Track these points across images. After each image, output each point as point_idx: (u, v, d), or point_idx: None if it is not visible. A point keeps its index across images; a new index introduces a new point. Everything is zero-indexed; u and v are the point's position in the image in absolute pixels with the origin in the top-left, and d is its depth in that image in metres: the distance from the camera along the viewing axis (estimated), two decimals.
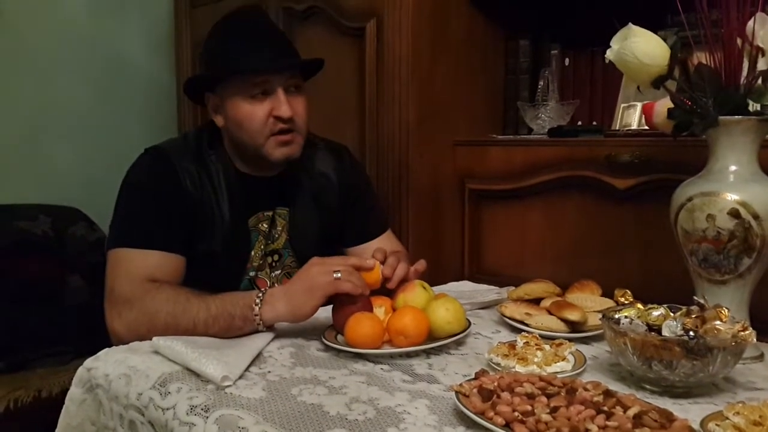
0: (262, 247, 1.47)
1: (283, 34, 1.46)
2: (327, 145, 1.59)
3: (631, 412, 0.80)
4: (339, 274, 1.19)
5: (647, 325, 1.03)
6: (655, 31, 1.16)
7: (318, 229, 1.52)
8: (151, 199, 1.36)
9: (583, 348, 1.16)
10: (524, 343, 1.10)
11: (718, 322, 0.98)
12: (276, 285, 1.48)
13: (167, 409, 0.95)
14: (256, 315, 1.20)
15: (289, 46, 1.43)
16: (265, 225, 1.47)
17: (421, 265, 1.33)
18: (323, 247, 1.51)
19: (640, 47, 1.13)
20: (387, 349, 1.13)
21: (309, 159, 1.52)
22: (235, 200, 1.41)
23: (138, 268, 1.29)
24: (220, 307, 1.21)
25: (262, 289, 1.23)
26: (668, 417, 0.80)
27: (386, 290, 1.29)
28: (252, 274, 1.47)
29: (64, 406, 1.13)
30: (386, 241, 1.59)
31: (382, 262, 1.28)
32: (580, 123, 1.94)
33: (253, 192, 1.45)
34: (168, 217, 1.35)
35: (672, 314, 1.04)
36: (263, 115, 1.36)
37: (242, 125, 1.37)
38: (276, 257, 1.50)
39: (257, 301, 1.20)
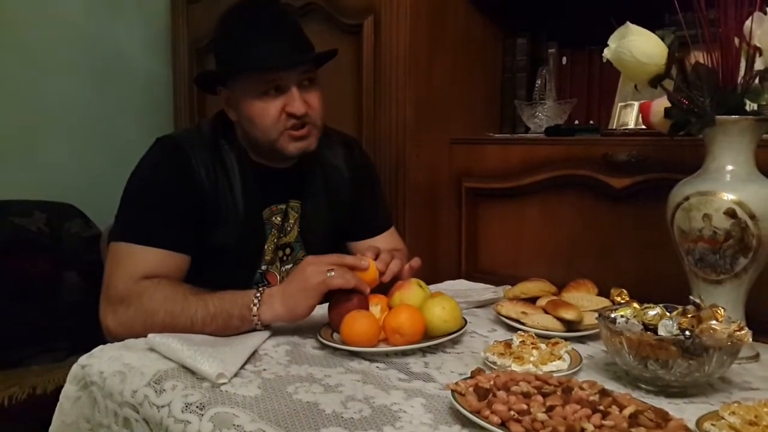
0: (274, 240, 1.46)
1: (296, 24, 1.41)
2: (339, 137, 1.58)
3: (626, 412, 0.80)
4: (332, 273, 1.19)
5: (643, 324, 1.03)
6: (652, 30, 1.16)
7: (329, 222, 1.51)
8: (160, 193, 1.33)
9: (579, 347, 1.16)
10: (520, 342, 1.10)
11: (714, 322, 0.98)
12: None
13: (162, 406, 0.95)
14: (254, 315, 1.20)
15: (301, 38, 1.39)
16: (278, 218, 1.46)
17: (416, 262, 1.33)
18: (334, 241, 1.51)
19: (637, 46, 1.13)
20: (383, 348, 1.13)
21: (322, 151, 1.51)
22: (250, 192, 1.39)
23: (137, 266, 1.27)
24: (219, 306, 1.20)
25: (260, 289, 1.23)
26: (664, 417, 0.81)
27: (382, 288, 1.29)
28: (264, 268, 1.45)
29: (59, 404, 1.13)
30: (390, 238, 1.59)
31: (375, 259, 1.28)
32: (577, 122, 1.94)
33: (268, 184, 1.43)
34: (176, 214, 1.32)
35: (668, 314, 1.04)
36: (276, 112, 1.33)
37: (255, 122, 1.35)
38: (288, 251, 1.49)
39: (255, 301, 1.20)
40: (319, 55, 1.40)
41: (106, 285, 1.29)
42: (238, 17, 1.38)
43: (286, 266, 1.49)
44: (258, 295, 1.21)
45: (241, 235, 1.39)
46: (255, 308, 1.19)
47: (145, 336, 1.14)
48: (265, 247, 1.45)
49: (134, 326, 1.21)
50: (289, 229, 1.48)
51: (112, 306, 1.26)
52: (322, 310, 1.24)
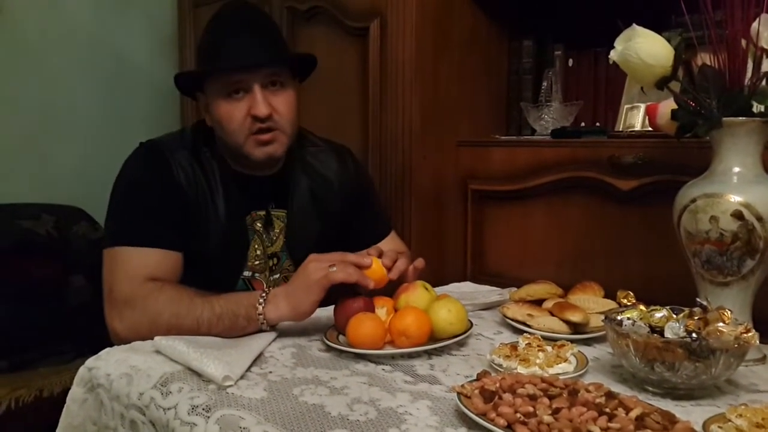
0: (257, 246, 1.45)
1: (267, 26, 1.39)
2: (329, 146, 1.58)
3: (633, 414, 0.80)
4: (334, 268, 1.19)
5: (650, 326, 1.03)
6: (659, 32, 1.16)
7: (317, 232, 1.50)
8: (146, 195, 1.35)
9: (585, 349, 1.16)
10: (526, 345, 1.10)
11: (720, 324, 0.97)
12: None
13: (168, 408, 0.95)
14: (260, 314, 1.20)
15: (269, 39, 1.37)
16: (259, 224, 1.45)
17: (420, 262, 1.32)
18: (322, 251, 1.51)
19: (643, 48, 1.13)
20: (389, 350, 1.13)
21: (309, 160, 1.51)
22: (231, 197, 1.40)
23: (137, 268, 1.28)
24: (224, 307, 1.21)
25: (266, 289, 1.23)
26: (670, 419, 0.80)
27: (388, 290, 1.29)
28: (247, 274, 1.45)
29: (66, 406, 1.13)
30: (391, 242, 1.59)
31: (378, 257, 1.27)
32: (583, 124, 1.94)
33: (249, 190, 1.43)
34: (164, 214, 1.33)
35: (675, 316, 1.03)
36: (241, 115, 1.33)
37: (222, 125, 1.35)
38: (275, 260, 1.49)
39: (261, 300, 1.21)
40: (287, 56, 1.38)
41: (108, 289, 1.29)
42: (213, 22, 1.39)
43: (274, 276, 1.49)
44: (264, 294, 1.21)
45: (222, 241, 1.39)
46: (261, 307, 1.20)
47: (152, 338, 1.14)
48: (248, 253, 1.45)
49: (140, 328, 1.21)
50: (274, 238, 1.48)
51: (118, 309, 1.26)
52: (327, 312, 1.24)
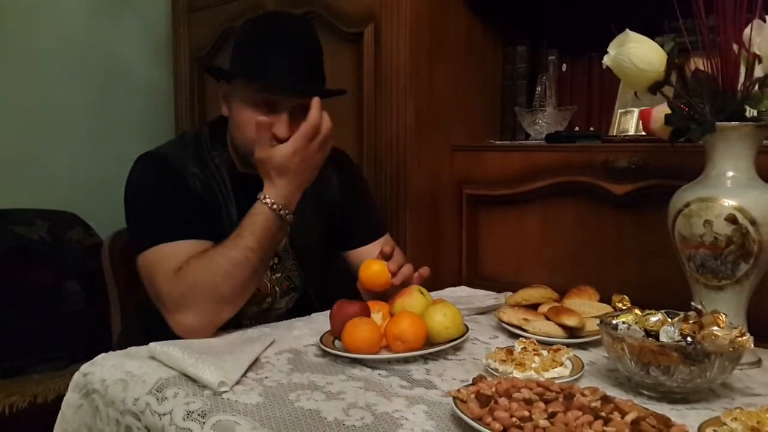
0: None
1: (313, 52, 1.40)
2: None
3: (628, 418, 0.80)
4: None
5: (645, 330, 1.03)
6: (652, 37, 1.16)
7: (319, 232, 1.51)
8: (160, 194, 1.35)
9: (581, 353, 1.16)
10: (522, 349, 1.10)
11: (715, 328, 0.98)
12: (276, 288, 1.48)
13: (164, 414, 0.95)
14: (287, 216, 1.28)
15: (312, 67, 1.39)
16: None
17: (425, 270, 1.33)
18: (324, 249, 1.51)
19: (637, 53, 1.13)
20: (385, 355, 1.13)
21: None
22: (241, 202, 1.39)
23: (171, 262, 1.26)
24: (256, 234, 1.26)
25: (263, 200, 1.29)
26: (666, 423, 0.81)
27: (384, 296, 1.29)
28: None
29: (61, 412, 1.13)
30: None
31: (387, 259, 1.27)
32: (577, 129, 1.94)
33: (256, 192, 1.44)
34: (185, 209, 1.34)
35: (669, 320, 1.04)
36: None
37: (240, 128, 1.36)
38: (276, 260, 1.48)
39: (279, 210, 1.28)
40: (321, 89, 1.40)
41: (156, 296, 1.27)
42: (263, 25, 1.40)
43: (276, 275, 1.49)
44: (267, 202, 1.28)
45: None
46: (285, 213, 1.28)
47: (219, 312, 1.20)
48: None
49: (207, 312, 1.22)
50: None
51: (175, 309, 1.24)
52: (323, 317, 1.24)
